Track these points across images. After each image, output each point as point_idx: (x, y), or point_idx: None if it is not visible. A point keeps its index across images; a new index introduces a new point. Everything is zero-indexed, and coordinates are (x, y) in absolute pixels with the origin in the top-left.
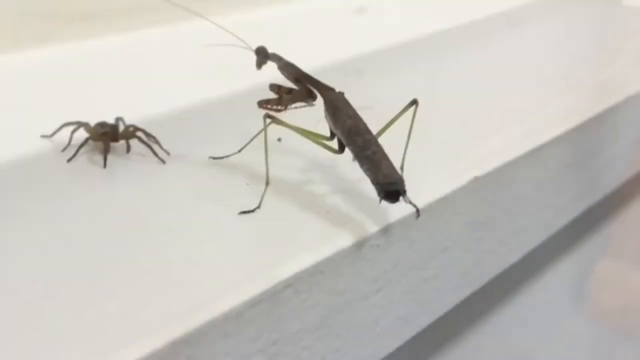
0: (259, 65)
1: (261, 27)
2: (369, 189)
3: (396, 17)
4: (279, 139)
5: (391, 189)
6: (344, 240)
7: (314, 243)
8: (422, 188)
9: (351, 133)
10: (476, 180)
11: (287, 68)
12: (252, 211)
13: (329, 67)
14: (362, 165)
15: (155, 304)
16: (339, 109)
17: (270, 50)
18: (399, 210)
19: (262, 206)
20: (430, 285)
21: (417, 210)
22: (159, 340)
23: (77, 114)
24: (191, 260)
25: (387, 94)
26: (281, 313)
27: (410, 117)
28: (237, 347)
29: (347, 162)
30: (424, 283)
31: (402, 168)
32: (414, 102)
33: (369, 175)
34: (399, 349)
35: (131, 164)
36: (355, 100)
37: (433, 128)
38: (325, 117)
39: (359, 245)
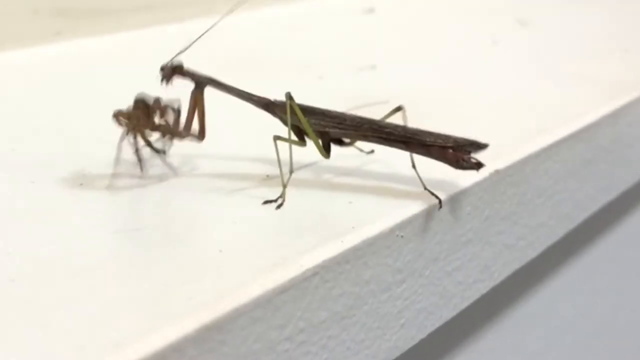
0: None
1: (273, 24)
2: (390, 181)
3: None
4: None
5: (475, 142)
6: (368, 230)
7: (339, 233)
8: (443, 180)
9: (373, 129)
10: (497, 173)
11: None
12: (275, 201)
13: (342, 61)
14: (419, 142)
15: (187, 290)
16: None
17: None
18: (421, 201)
19: (286, 197)
20: (452, 277)
21: (440, 202)
22: (190, 325)
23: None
24: (221, 248)
25: (402, 88)
26: (308, 301)
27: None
28: (265, 334)
29: (365, 155)
30: (446, 275)
31: (413, 166)
32: (399, 109)
33: (442, 142)
34: (422, 342)
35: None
36: (370, 94)
37: (453, 121)
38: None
39: (384, 235)
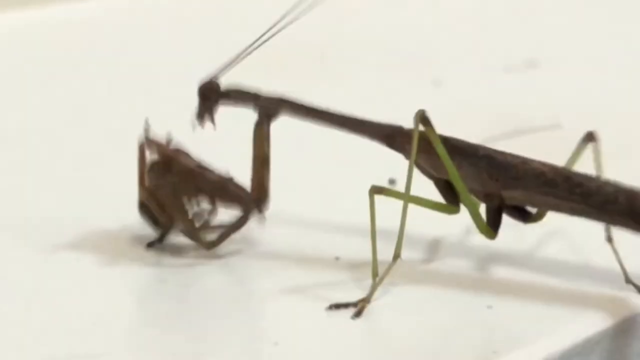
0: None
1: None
2: (564, 270)
3: None
4: (392, 181)
5: None
6: (522, 357)
7: None
8: None
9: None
10: None
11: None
12: (354, 305)
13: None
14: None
15: None
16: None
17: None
18: (619, 306)
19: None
20: None
21: None
22: None
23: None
24: None
25: (576, 100)
26: None
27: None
28: None
29: (510, 227)
30: None
31: (609, 239)
32: (591, 138)
33: None
34: None
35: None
36: (520, 112)
37: None
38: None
39: None
